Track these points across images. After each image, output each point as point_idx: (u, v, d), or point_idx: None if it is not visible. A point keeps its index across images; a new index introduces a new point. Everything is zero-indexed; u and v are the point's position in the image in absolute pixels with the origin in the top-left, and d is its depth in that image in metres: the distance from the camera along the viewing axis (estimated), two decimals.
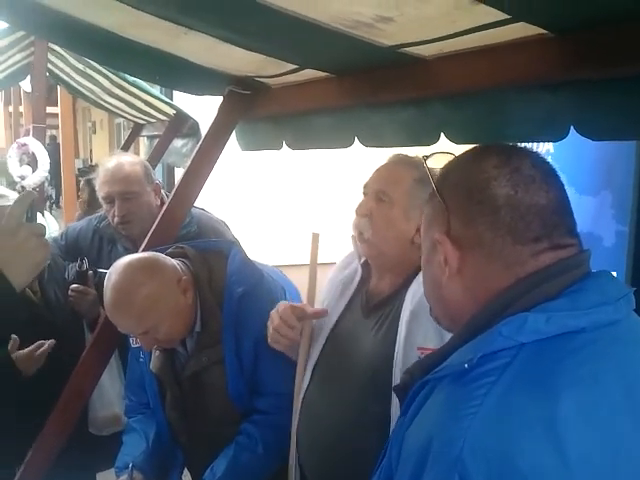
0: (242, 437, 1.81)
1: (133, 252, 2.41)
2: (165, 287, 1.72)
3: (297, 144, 2.09)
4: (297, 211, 5.54)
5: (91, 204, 5.24)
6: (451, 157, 1.00)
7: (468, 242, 0.88)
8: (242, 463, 1.77)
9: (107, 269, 2.47)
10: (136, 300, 1.68)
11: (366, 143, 1.81)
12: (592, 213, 2.55)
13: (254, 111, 2.11)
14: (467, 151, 0.98)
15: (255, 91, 2.04)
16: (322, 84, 1.77)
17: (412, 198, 1.49)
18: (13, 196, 2.21)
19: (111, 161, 2.47)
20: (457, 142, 1.48)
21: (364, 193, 1.57)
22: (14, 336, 2.00)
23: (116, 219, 2.43)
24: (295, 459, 1.65)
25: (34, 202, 1.25)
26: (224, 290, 1.80)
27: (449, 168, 0.97)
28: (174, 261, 1.81)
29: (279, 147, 2.16)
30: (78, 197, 5.77)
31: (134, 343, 1.93)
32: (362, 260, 1.66)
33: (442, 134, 1.53)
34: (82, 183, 5.41)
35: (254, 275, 1.88)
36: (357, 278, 1.65)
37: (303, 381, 1.63)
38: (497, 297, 0.85)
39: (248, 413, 1.84)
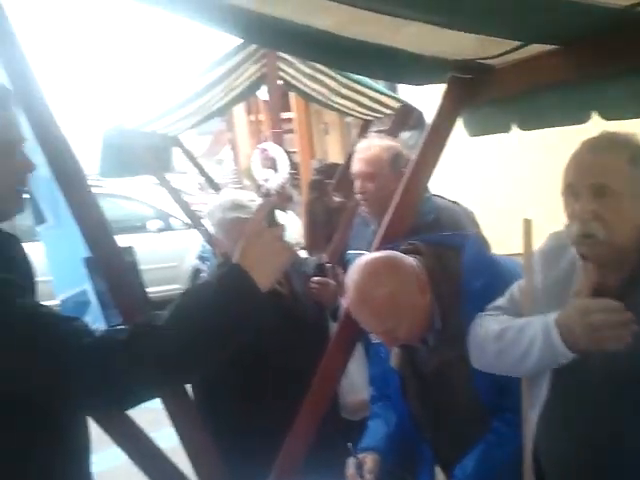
0: (493, 435, 1.75)
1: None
2: (405, 287, 1.72)
3: (527, 125, 1.98)
4: (503, 198, 5.26)
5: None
6: None
7: None
8: (493, 461, 1.72)
9: (359, 251, 2.63)
10: (377, 300, 1.70)
11: (608, 117, 1.65)
12: None
13: (479, 95, 2.03)
14: None
15: (478, 74, 1.96)
16: (548, 58, 1.65)
17: (634, 182, 1.36)
18: (253, 204, 2.38)
19: (364, 142, 2.64)
20: None
21: (573, 194, 1.40)
22: None
23: (358, 196, 2.59)
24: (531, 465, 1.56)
25: (274, 208, 1.35)
26: (462, 284, 1.76)
27: None
28: (411, 259, 1.80)
29: (507, 130, 2.07)
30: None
31: (374, 338, 1.98)
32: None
33: None
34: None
35: (491, 268, 1.81)
36: (577, 274, 1.48)
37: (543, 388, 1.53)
38: None
39: (496, 411, 1.77)
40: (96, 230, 1.73)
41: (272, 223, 1.35)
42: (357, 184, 2.58)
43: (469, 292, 1.75)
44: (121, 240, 1.72)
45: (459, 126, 2.18)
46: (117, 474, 2.83)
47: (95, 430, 1.47)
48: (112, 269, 1.75)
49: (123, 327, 1.29)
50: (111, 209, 7.85)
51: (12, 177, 1.34)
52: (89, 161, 3.96)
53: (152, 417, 1.30)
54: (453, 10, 1.39)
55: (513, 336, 1.49)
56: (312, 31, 1.73)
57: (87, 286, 3.11)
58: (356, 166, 2.58)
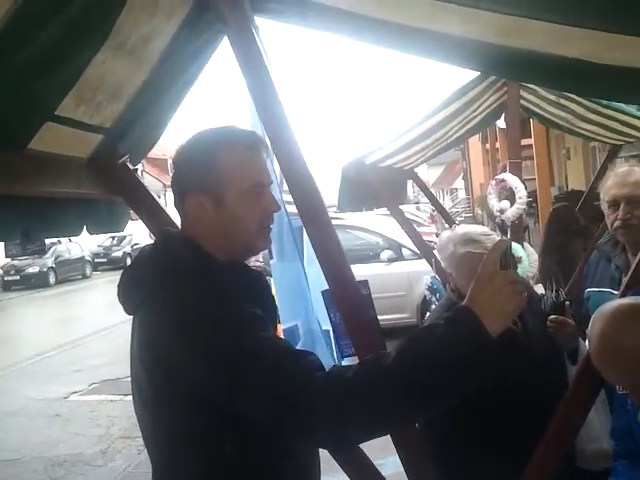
0: None
1: (624, 272, 2.35)
2: None
3: None
4: None
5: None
6: None
7: None
8: None
9: (600, 288, 2.43)
10: (625, 353, 1.53)
11: None
12: None
13: None
14: None
15: None
16: None
17: None
18: (486, 238, 2.29)
19: (623, 168, 2.50)
20: None
21: None
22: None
23: (617, 222, 2.41)
24: None
25: (508, 249, 1.27)
26: None
27: None
28: None
29: None
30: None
31: (620, 389, 1.79)
32: None
33: None
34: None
35: None
36: None
37: None
38: None
39: None
40: (335, 264, 1.78)
41: (506, 265, 1.27)
42: (620, 209, 2.39)
43: None
44: (356, 269, 1.76)
45: None
46: None
47: (323, 454, 1.50)
48: (348, 302, 1.80)
49: (350, 365, 1.30)
50: (347, 240, 8.25)
51: (262, 216, 1.44)
52: (329, 194, 4.18)
53: (378, 444, 1.29)
54: None
55: None
56: (563, 60, 1.63)
57: (299, 322, 3.31)
58: (620, 190, 2.40)
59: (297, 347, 3.17)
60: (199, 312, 1.26)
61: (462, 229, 2.30)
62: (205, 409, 1.27)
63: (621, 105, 4.03)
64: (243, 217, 1.40)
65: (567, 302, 2.38)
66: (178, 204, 1.45)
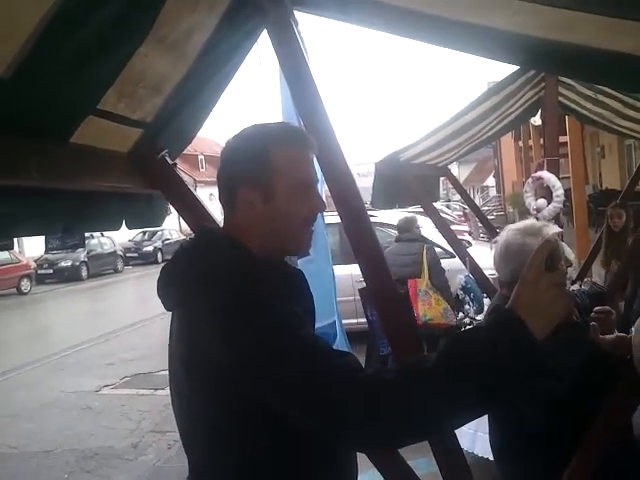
0: None
1: None
2: None
3: None
4: None
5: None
6: None
7: None
8: None
9: None
10: None
11: None
12: None
13: None
14: None
15: None
16: None
17: None
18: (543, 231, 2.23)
19: None
20: None
21: None
22: (594, 323, 2.02)
23: None
24: None
25: (554, 251, 1.23)
26: None
27: None
28: None
29: None
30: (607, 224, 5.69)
31: None
32: None
33: None
34: (612, 210, 5.34)
35: None
36: None
37: None
38: None
39: None
40: (372, 262, 1.77)
41: (552, 266, 1.22)
42: None
43: None
44: None
45: None
46: None
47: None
48: (385, 300, 1.78)
49: (390, 368, 1.27)
50: (378, 237, 8.16)
51: (308, 215, 1.41)
52: (364, 192, 4.14)
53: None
54: None
55: None
56: (609, 55, 1.59)
57: (335, 319, 3.28)
58: None
59: (333, 345, 3.17)
60: (239, 310, 1.25)
61: (523, 223, 2.27)
62: (244, 407, 1.26)
63: None
64: (290, 214, 1.39)
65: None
66: (226, 199, 1.43)
